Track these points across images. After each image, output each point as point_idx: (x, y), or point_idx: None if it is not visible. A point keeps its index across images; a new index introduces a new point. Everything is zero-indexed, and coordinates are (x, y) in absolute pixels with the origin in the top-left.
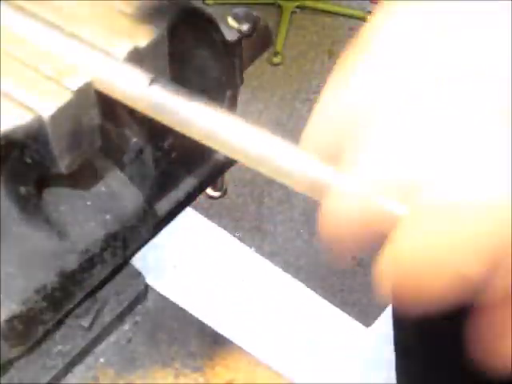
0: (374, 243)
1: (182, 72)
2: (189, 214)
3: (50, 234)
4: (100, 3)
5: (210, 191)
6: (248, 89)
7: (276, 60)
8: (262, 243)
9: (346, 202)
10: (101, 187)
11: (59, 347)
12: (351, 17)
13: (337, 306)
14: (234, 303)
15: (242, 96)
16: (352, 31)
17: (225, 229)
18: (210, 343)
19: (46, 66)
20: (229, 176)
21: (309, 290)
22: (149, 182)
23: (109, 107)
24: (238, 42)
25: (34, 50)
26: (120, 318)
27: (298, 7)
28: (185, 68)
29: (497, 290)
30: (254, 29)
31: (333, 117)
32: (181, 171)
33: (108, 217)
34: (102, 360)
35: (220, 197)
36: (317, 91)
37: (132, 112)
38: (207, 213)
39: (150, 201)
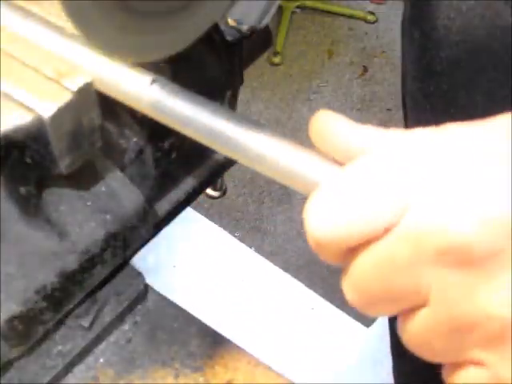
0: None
1: (182, 72)
2: (189, 214)
3: (50, 234)
4: None
5: (209, 191)
6: (248, 89)
7: (276, 60)
8: (262, 243)
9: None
10: (101, 187)
11: (59, 347)
12: (351, 17)
13: (337, 306)
14: (233, 303)
15: (242, 96)
16: (352, 31)
17: (225, 229)
18: (210, 343)
19: (47, 67)
20: (229, 176)
21: (309, 289)
22: (149, 182)
23: (109, 107)
24: (238, 41)
25: (35, 50)
26: (120, 318)
27: (298, 7)
28: (185, 68)
29: None
30: (254, 29)
31: None
32: (181, 171)
33: (108, 217)
34: (101, 360)
35: (220, 197)
36: (317, 91)
37: (132, 112)
38: (207, 213)
39: (150, 201)
